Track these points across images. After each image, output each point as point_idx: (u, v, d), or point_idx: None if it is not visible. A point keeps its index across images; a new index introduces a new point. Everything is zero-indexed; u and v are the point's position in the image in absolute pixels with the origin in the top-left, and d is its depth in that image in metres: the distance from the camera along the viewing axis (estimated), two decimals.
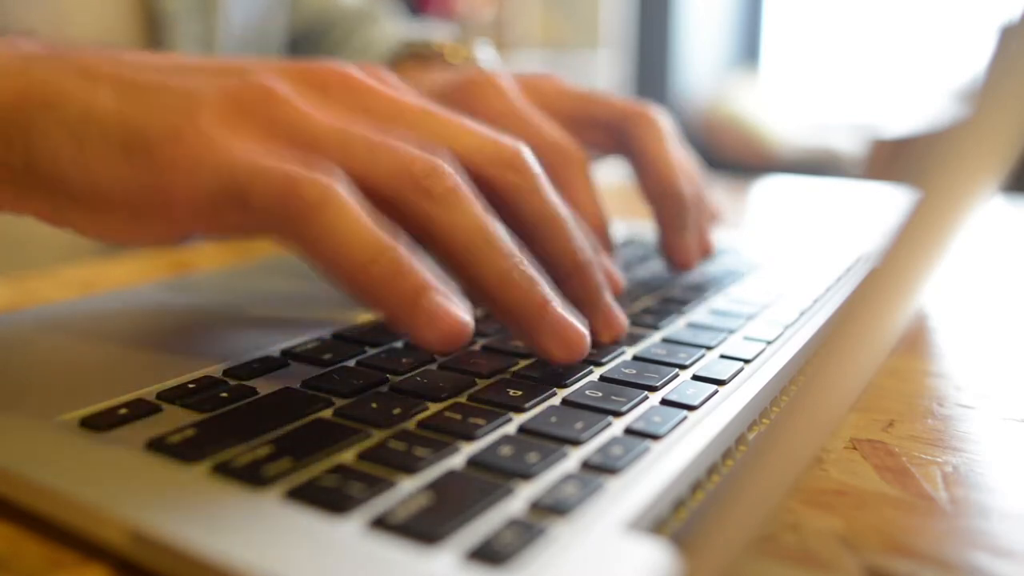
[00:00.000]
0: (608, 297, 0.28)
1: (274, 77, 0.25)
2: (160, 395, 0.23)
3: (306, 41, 0.64)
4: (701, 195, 0.38)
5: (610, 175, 0.56)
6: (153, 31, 0.51)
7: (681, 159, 0.38)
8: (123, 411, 0.22)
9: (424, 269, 0.22)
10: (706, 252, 0.38)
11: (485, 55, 0.49)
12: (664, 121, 0.38)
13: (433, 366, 0.26)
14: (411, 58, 0.52)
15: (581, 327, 0.25)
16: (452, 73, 0.40)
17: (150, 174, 0.23)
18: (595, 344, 0.26)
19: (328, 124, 0.24)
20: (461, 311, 0.22)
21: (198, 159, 0.22)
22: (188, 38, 0.52)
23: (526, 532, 0.17)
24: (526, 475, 0.19)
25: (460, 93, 0.36)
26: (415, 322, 0.22)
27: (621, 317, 0.28)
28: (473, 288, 0.24)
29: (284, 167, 0.22)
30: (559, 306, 0.25)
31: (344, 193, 0.22)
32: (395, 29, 0.66)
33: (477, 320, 0.30)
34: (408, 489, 0.19)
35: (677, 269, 0.37)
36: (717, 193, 0.41)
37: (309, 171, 0.22)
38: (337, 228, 0.21)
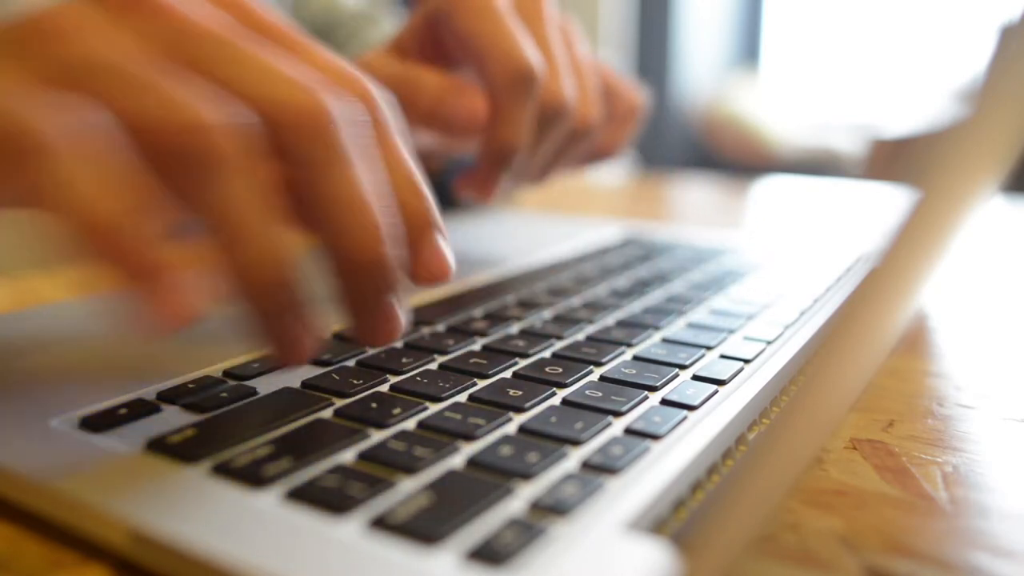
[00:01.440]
0: (388, 301, 0.23)
1: (65, 7, 0.22)
2: (160, 395, 0.23)
3: None
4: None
5: (610, 175, 0.56)
6: None
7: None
8: (123, 411, 0.22)
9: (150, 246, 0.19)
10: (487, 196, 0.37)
11: None
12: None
13: (433, 366, 0.26)
14: None
15: (312, 343, 0.22)
16: None
17: None
18: (362, 344, 0.24)
19: (102, 58, 0.21)
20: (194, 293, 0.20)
21: None
22: None
23: (526, 532, 0.17)
24: (526, 475, 0.19)
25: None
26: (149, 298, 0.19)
27: (394, 322, 0.23)
28: (228, 260, 0.21)
29: (9, 104, 0.19)
30: (293, 319, 0.21)
31: (78, 136, 0.19)
32: (391, 30, 0.66)
33: (476, 320, 0.30)
34: (408, 489, 0.18)
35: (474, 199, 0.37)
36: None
37: (29, 108, 0.19)
38: (68, 178, 0.19)
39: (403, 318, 0.24)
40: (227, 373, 0.25)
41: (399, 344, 0.28)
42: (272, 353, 0.22)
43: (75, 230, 0.19)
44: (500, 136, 0.34)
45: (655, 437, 0.21)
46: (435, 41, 0.37)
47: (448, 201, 0.40)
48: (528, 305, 0.33)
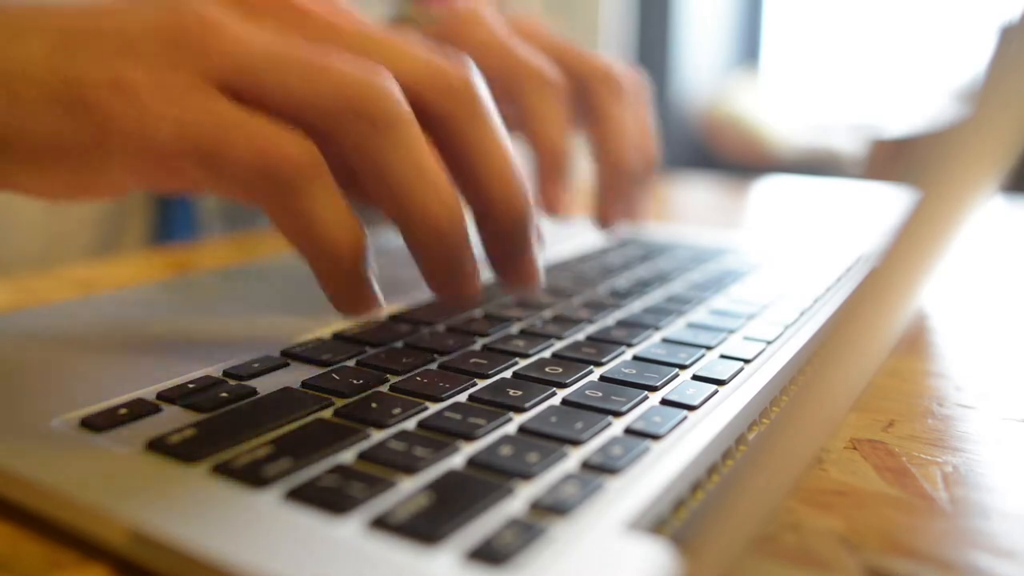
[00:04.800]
0: (532, 251, 0.26)
1: (209, 5, 0.23)
2: (160, 395, 0.23)
3: None
4: (646, 166, 0.40)
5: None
6: None
7: (634, 127, 0.38)
8: (123, 411, 0.22)
9: (366, 253, 0.23)
10: (634, 218, 0.40)
11: None
12: (631, 84, 0.38)
13: (433, 366, 0.26)
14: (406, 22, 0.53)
15: (478, 285, 0.25)
16: (438, 10, 0.40)
17: (91, 125, 0.22)
18: (505, 293, 0.26)
19: (264, 46, 0.23)
20: (376, 294, 0.24)
21: (146, 109, 0.21)
22: None
23: (526, 532, 0.17)
24: (526, 475, 0.19)
25: (445, 26, 0.36)
26: (345, 300, 0.23)
27: (539, 272, 0.26)
28: (399, 224, 0.23)
29: (258, 123, 0.21)
30: (472, 261, 0.24)
31: (324, 163, 0.22)
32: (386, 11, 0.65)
33: (475, 320, 0.30)
34: (408, 489, 0.18)
35: (598, 225, 0.39)
36: (660, 151, 0.42)
37: (285, 135, 0.21)
38: (320, 207, 0.21)
39: (542, 271, 0.27)
40: (227, 373, 0.25)
41: (399, 344, 0.28)
42: (449, 292, 0.25)
43: (317, 260, 0.22)
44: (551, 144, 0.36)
45: (655, 437, 0.21)
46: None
47: None
48: (528, 305, 0.33)
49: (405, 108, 0.23)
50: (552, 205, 0.36)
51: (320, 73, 0.22)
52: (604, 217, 0.39)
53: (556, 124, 0.35)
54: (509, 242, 0.25)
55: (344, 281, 0.23)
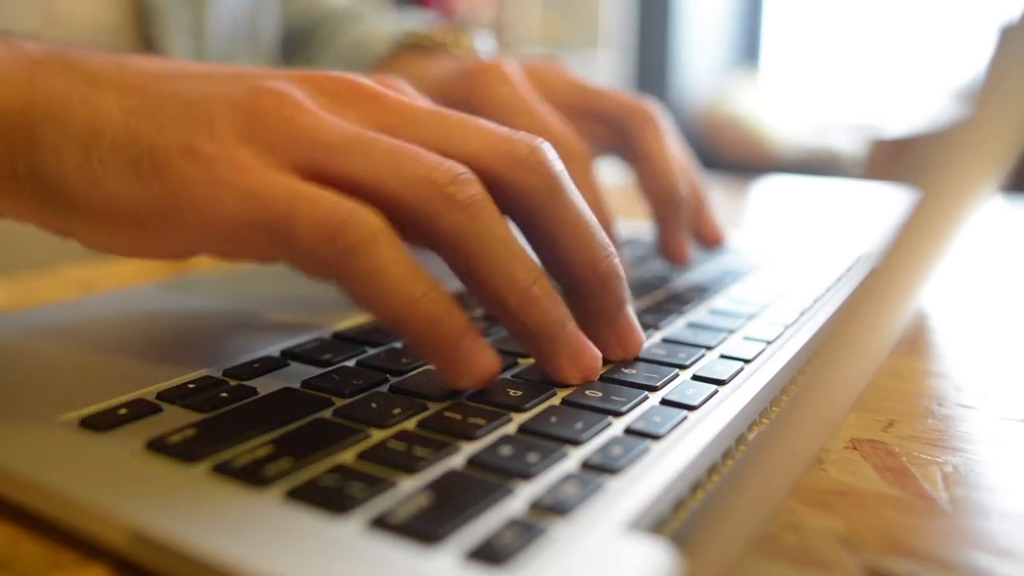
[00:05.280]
0: (629, 311, 0.26)
1: (285, 82, 0.24)
2: (160, 395, 0.23)
3: (292, 41, 0.64)
4: (697, 192, 0.40)
5: (613, 176, 0.56)
6: (143, 22, 0.51)
7: (678, 157, 0.38)
8: (123, 411, 0.22)
9: (462, 311, 0.22)
10: (716, 240, 0.40)
11: (486, 47, 0.49)
12: (661, 118, 0.39)
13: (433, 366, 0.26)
14: (413, 48, 0.52)
15: (596, 350, 0.25)
16: (456, 62, 0.40)
17: (162, 190, 0.22)
18: (606, 361, 0.26)
19: (345, 130, 0.23)
20: (494, 354, 0.23)
21: (218, 179, 0.22)
22: (178, 29, 0.52)
23: (526, 532, 0.17)
24: (526, 475, 0.19)
25: (465, 81, 0.36)
26: (455, 365, 0.22)
27: (638, 334, 0.27)
28: (489, 302, 0.24)
29: (326, 195, 0.21)
30: (575, 327, 0.24)
31: (389, 228, 0.21)
32: (387, 26, 0.65)
33: (476, 320, 0.30)
34: (408, 489, 0.18)
35: (673, 265, 0.38)
36: (711, 189, 0.42)
37: (355, 203, 0.21)
38: (384, 266, 0.21)
39: (641, 330, 0.27)
40: (227, 373, 0.25)
41: (399, 344, 0.28)
42: (565, 368, 0.24)
43: (400, 307, 0.21)
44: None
45: (655, 437, 0.21)
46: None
47: None
48: None
49: (480, 188, 0.23)
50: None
51: (403, 160, 0.23)
52: (675, 253, 0.38)
53: (594, 194, 0.34)
54: (603, 302, 0.25)
55: (439, 344, 0.22)
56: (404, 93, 0.27)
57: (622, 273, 0.26)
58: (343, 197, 0.22)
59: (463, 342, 0.22)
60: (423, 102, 0.26)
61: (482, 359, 0.22)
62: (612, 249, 0.25)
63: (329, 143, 0.23)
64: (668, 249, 0.38)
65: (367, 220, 0.21)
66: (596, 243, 0.25)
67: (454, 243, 0.23)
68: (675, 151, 0.38)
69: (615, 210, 0.35)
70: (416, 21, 0.59)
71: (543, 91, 0.38)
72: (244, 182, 0.22)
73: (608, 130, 0.39)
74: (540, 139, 0.25)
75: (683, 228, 0.38)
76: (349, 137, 0.23)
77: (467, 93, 0.35)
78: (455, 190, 0.22)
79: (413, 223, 0.23)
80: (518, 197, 0.25)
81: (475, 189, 0.23)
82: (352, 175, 0.22)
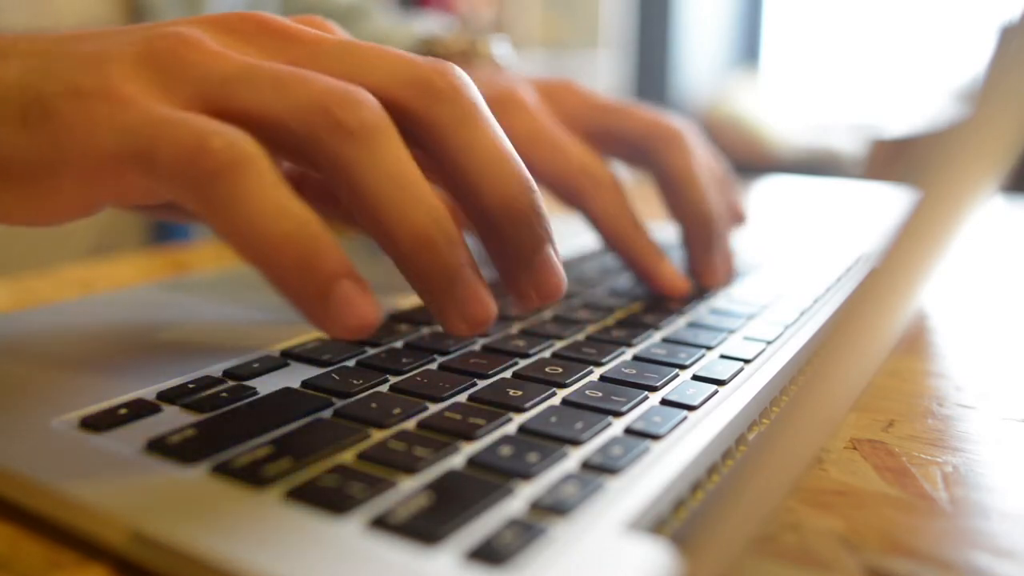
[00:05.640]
0: (548, 252, 0.23)
1: (188, 25, 0.23)
2: (160, 395, 0.23)
3: None
4: (730, 206, 0.38)
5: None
6: (136, 19, 0.51)
7: (707, 173, 0.37)
8: (123, 411, 0.22)
9: (340, 250, 0.20)
10: (730, 269, 0.37)
11: (502, 52, 0.49)
12: (689, 134, 0.37)
13: (433, 366, 0.26)
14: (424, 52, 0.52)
15: (491, 303, 0.22)
16: (455, 40, 0.40)
17: (46, 136, 0.21)
18: (527, 308, 0.24)
19: (237, 62, 0.22)
20: (373, 303, 0.20)
21: (99, 117, 0.20)
22: None
23: (526, 532, 0.17)
24: (526, 475, 0.19)
25: None
26: (323, 312, 0.19)
27: (557, 277, 0.24)
28: (382, 244, 0.21)
29: (192, 119, 0.20)
30: (473, 274, 0.22)
31: (262, 153, 0.19)
32: (394, 23, 0.65)
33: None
34: (408, 489, 0.18)
35: (704, 287, 0.36)
36: (740, 194, 0.41)
37: (221, 125, 0.20)
38: (250, 194, 0.19)
39: (563, 272, 0.24)
40: (227, 373, 0.25)
41: (399, 344, 0.28)
42: (452, 319, 0.22)
43: (265, 242, 0.19)
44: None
45: (655, 437, 0.21)
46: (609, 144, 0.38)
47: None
48: None
49: (380, 115, 0.21)
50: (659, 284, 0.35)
51: (292, 85, 0.21)
52: (707, 277, 0.36)
53: (630, 220, 0.34)
54: (515, 244, 0.23)
55: (304, 289, 0.19)
56: (324, 29, 0.25)
57: (542, 210, 0.23)
58: (210, 120, 0.20)
59: (336, 288, 0.19)
60: (335, 36, 0.24)
61: (355, 307, 0.19)
62: (532, 185, 0.23)
63: (219, 76, 0.21)
64: (699, 274, 0.36)
65: (230, 143, 0.19)
66: (512, 178, 0.22)
67: (340, 174, 0.21)
68: (705, 167, 0.37)
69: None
70: (424, 24, 0.59)
71: (561, 114, 0.37)
72: (121, 117, 0.20)
73: (630, 149, 0.37)
74: (452, 65, 0.23)
75: (715, 250, 0.36)
76: (239, 68, 0.22)
77: None
78: (343, 114, 0.20)
79: (303, 154, 0.21)
80: (426, 127, 0.22)
81: (368, 113, 0.21)
82: (242, 106, 0.21)
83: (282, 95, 0.21)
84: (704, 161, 0.38)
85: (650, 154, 0.37)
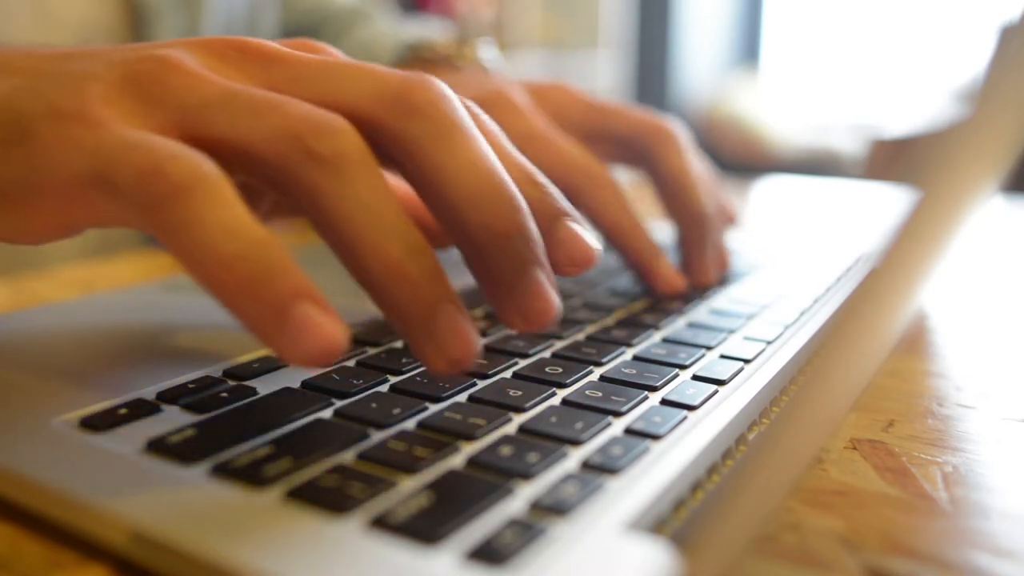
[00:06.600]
0: (536, 275, 0.22)
1: (174, 48, 0.22)
2: (160, 395, 0.23)
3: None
4: (720, 207, 0.38)
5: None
6: (136, 25, 0.51)
7: (699, 172, 0.37)
8: (123, 411, 0.22)
9: (299, 271, 0.19)
10: (723, 266, 0.38)
11: (489, 55, 0.49)
12: (680, 134, 0.38)
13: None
14: (415, 61, 0.52)
15: (473, 339, 0.20)
16: (463, 87, 0.40)
17: (23, 154, 0.21)
18: (514, 331, 0.23)
19: (217, 87, 0.21)
20: (336, 327, 0.18)
21: (74, 139, 0.20)
22: (172, 32, 0.52)
23: (526, 532, 0.17)
24: (526, 475, 0.19)
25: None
26: (280, 336, 0.18)
27: (545, 301, 0.22)
28: (357, 277, 0.20)
29: (150, 142, 0.19)
30: (453, 309, 0.20)
31: (217, 175, 0.19)
32: (391, 27, 0.65)
33: (476, 320, 0.30)
34: (408, 489, 0.18)
35: (696, 285, 0.36)
36: (729, 195, 0.41)
37: (179, 148, 0.19)
38: (202, 215, 0.18)
39: (556, 297, 0.22)
40: (227, 373, 0.25)
41: (398, 344, 0.28)
42: (431, 357, 0.20)
43: (216, 263, 0.18)
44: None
45: (655, 437, 0.21)
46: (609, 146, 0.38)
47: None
48: None
49: (354, 143, 0.20)
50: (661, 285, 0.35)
51: (266, 112, 0.20)
52: (700, 276, 0.36)
53: (628, 217, 0.34)
54: (498, 267, 0.21)
55: (258, 312, 0.18)
56: (314, 51, 0.25)
57: (530, 232, 0.21)
58: (170, 143, 0.19)
59: (293, 309, 0.18)
60: (333, 57, 0.24)
61: (315, 330, 0.18)
62: (517, 203, 0.21)
63: (198, 102, 0.21)
64: (693, 273, 0.36)
65: (186, 165, 0.19)
66: (493, 196, 0.21)
67: (312, 203, 0.20)
68: (696, 167, 0.37)
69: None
70: (418, 29, 0.59)
71: (554, 115, 0.37)
72: (91, 139, 0.20)
73: (626, 150, 0.38)
74: (431, 78, 0.22)
75: (709, 250, 0.36)
76: (217, 93, 0.21)
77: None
78: (315, 143, 0.20)
79: (277, 183, 0.20)
80: (401, 145, 0.21)
81: (341, 141, 0.20)
82: (218, 133, 0.21)
83: (257, 123, 0.20)
84: (695, 160, 0.38)
85: (645, 153, 0.37)
